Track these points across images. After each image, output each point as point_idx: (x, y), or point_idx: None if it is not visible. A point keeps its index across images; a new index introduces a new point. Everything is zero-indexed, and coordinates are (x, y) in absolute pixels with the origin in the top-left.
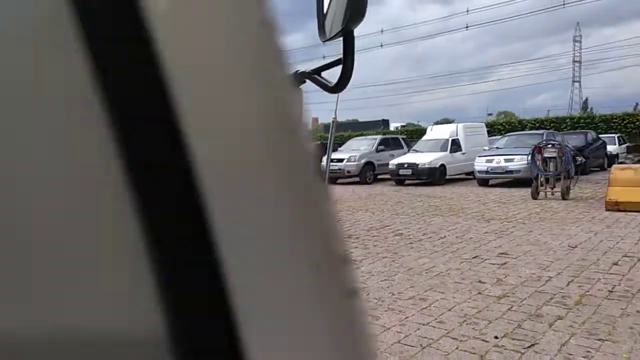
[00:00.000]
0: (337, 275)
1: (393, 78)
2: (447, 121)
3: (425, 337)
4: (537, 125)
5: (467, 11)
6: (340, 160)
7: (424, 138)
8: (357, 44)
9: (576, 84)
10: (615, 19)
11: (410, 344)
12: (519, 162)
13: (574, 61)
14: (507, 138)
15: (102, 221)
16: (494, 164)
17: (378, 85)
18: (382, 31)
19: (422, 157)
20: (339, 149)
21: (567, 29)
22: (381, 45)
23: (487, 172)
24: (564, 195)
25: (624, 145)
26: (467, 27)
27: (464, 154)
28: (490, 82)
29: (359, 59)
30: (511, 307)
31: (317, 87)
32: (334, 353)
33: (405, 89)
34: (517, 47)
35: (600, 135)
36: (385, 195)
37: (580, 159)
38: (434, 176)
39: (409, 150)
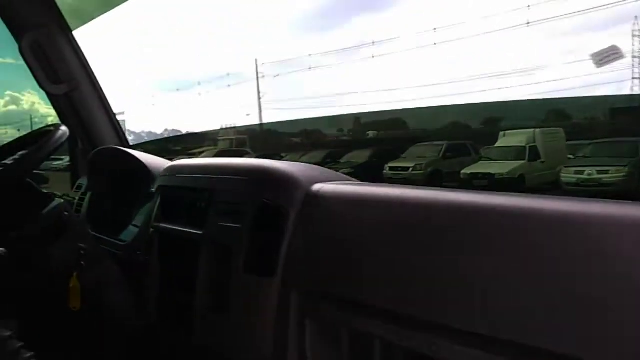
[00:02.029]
0: None
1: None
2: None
3: None
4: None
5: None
6: (405, 169)
7: (497, 144)
8: None
9: (636, 81)
10: None
11: None
12: (615, 174)
13: (634, 57)
14: (593, 146)
15: None
16: (585, 176)
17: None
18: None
19: (496, 166)
20: (402, 155)
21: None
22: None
23: (577, 184)
24: None
25: None
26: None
27: (543, 162)
28: (542, 83)
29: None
30: None
31: None
32: None
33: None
34: (564, 42)
35: None
36: None
37: None
38: (512, 188)
39: (479, 159)
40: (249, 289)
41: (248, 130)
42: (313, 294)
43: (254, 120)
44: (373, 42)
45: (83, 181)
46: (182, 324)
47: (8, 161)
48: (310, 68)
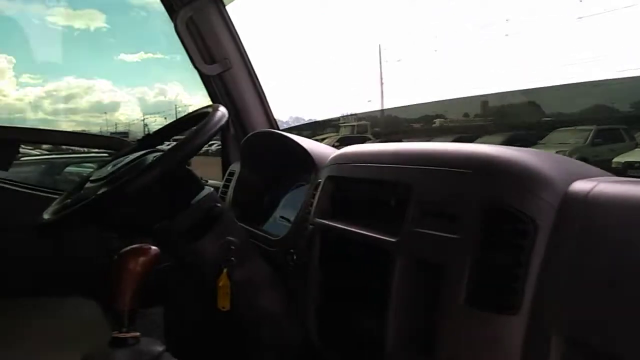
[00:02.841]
0: None
1: None
2: None
3: None
4: None
5: None
6: None
7: None
8: None
9: None
10: None
11: None
12: None
13: None
14: None
15: None
16: None
17: None
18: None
19: None
20: (539, 142)
21: None
22: None
23: None
24: None
25: None
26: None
27: None
28: None
29: None
30: None
31: None
32: None
33: None
34: None
35: None
36: None
37: None
38: None
39: (635, 146)
40: (472, 328)
41: (369, 117)
42: (580, 344)
43: (375, 107)
44: (507, 20)
45: (235, 167)
46: (360, 355)
47: (165, 146)
48: (436, 50)
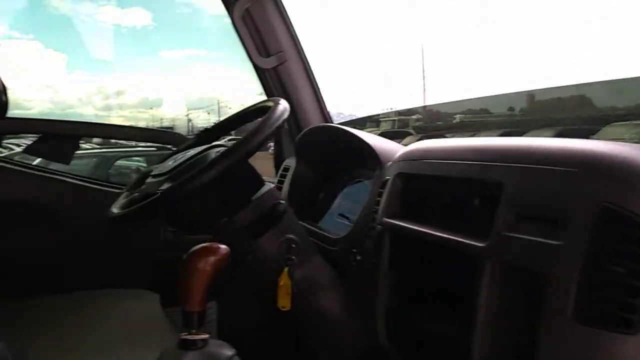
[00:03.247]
0: None
1: None
2: None
3: None
4: None
5: None
6: None
7: None
8: None
9: None
10: None
11: None
12: None
13: None
14: None
15: None
16: None
17: None
18: None
19: None
20: (592, 137)
21: None
22: None
23: None
24: None
25: None
26: None
27: None
28: None
29: None
30: None
31: None
32: None
33: None
34: None
35: None
36: None
37: None
38: None
39: None
40: (581, 346)
41: (410, 112)
42: None
43: (417, 102)
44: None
45: (289, 163)
46: None
47: (224, 141)
48: (479, 43)
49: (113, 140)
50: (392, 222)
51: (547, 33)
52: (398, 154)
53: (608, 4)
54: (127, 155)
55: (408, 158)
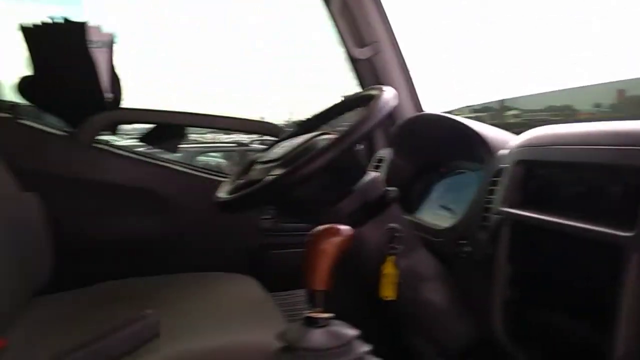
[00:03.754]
0: None
1: None
2: None
3: None
4: None
5: None
6: None
7: None
8: None
9: None
10: None
11: None
12: None
13: None
14: None
15: None
16: None
17: None
18: None
19: None
20: None
21: None
22: None
23: None
24: None
25: None
26: None
27: None
28: None
29: None
30: None
31: None
32: None
33: None
34: None
35: None
36: None
37: None
38: None
39: None
40: None
41: (485, 108)
42: None
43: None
44: None
45: (383, 153)
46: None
47: (328, 129)
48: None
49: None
50: (512, 212)
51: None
52: (518, 141)
53: None
54: (205, 151)
55: (531, 144)
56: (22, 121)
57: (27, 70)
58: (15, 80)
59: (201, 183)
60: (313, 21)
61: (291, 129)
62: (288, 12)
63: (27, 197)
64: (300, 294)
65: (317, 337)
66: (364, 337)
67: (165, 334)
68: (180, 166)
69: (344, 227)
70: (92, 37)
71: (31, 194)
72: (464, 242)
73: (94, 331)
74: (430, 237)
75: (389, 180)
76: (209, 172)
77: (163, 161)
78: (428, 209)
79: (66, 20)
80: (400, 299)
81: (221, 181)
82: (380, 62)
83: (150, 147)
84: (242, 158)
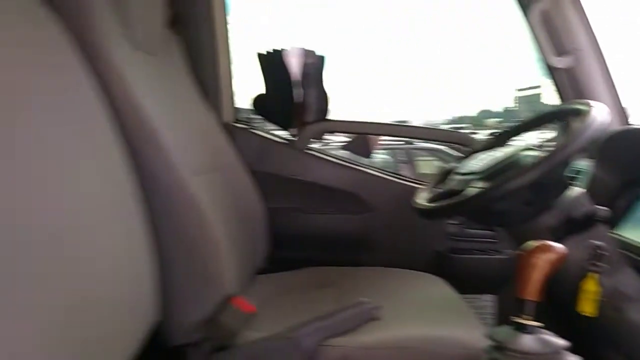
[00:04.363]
0: None
1: None
2: None
3: None
4: None
5: None
6: None
7: None
8: None
9: None
10: None
11: None
12: None
13: None
14: None
15: None
16: None
17: None
18: None
19: None
20: None
21: None
22: None
23: None
24: None
25: None
26: None
27: None
28: None
29: None
30: None
31: None
32: None
33: None
34: None
35: None
36: None
37: None
38: None
39: None
40: None
41: None
42: None
43: None
44: None
45: (581, 165)
46: None
47: (524, 144)
48: None
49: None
50: None
51: None
52: None
53: None
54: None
55: None
56: (254, 130)
57: (260, 89)
58: (250, 97)
59: (395, 187)
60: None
61: (484, 140)
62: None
63: (253, 192)
64: (485, 298)
65: (527, 341)
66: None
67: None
68: (377, 171)
69: (558, 246)
70: (307, 59)
71: (255, 189)
72: None
73: (314, 308)
74: (635, 257)
75: (593, 196)
76: (403, 177)
77: (362, 166)
78: (633, 226)
79: (290, 49)
80: (602, 318)
81: (413, 187)
82: (581, 71)
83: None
84: (409, 156)
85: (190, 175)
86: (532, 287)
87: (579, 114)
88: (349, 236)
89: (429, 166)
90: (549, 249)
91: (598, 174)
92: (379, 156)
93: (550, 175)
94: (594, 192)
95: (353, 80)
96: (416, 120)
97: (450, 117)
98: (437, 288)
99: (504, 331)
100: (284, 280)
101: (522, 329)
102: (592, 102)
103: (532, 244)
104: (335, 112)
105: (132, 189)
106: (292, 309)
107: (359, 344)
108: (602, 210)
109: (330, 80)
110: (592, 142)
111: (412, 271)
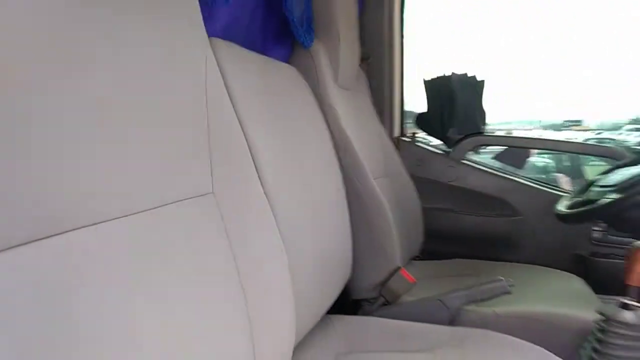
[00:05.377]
0: None
1: None
2: None
3: None
4: None
5: None
6: None
7: None
8: None
9: None
10: None
11: None
12: None
13: None
14: None
15: None
16: None
17: None
18: None
19: None
20: None
21: None
22: None
23: None
24: None
25: None
26: None
27: None
28: None
29: None
30: None
31: None
32: None
33: None
34: None
35: None
36: None
37: None
38: None
39: None
40: None
41: None
42: None
43: None
44: None
45: None
46: None
47: None
48: None
49: None
50: None
51: None
52: None
53: None
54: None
55: None
56: (417, 144)
57: (423, 109)
58: (415, 115)
59: (541, 194)
60: None
61: (630, 156)
62: None
63: (413, 194)
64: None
65: (629, 315)
66: None
67: (510, 296)
68: (525, 180)
69: None
70: (469, 84)
71: (415, 192)
72: None
73: (466, 284)
74: None
75: None
76: (548, 185)
77: (511, 175)
78: None
79: (449, 74)
80: None
81: (558, 195)
82: None
83: (502, 163)
84: (574, 161)
85: (372, 178)
86: (637, 275)
87: None
88: (495, 236)
89: (597, 171)
90: None
91: None
92: (542, 161)
93: None
94: None
95: (528, 83)
96: (591, 120)
97: (634, 117)
98: (571, 282)
99: (611, 307)
100: (434, 266)
101: (627, 307)
102: None
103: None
104: (513, 111)
105: (343, 183)
106: (439, 286)
107: (492, 312)
108: None
109: (505, 87)
110: None
111: (551, 269)
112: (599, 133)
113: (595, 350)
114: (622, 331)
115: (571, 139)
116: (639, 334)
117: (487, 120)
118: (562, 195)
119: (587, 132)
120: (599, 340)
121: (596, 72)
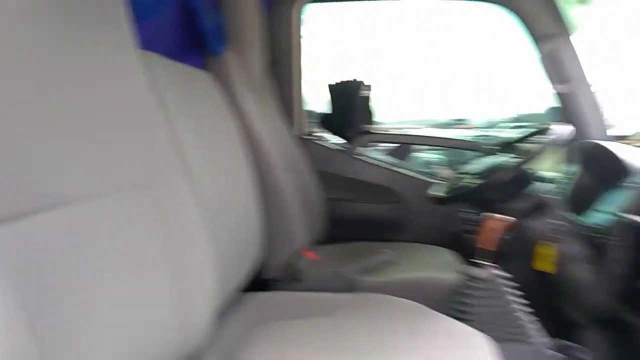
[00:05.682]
0: None
1: None
2: None
3: None
4: None
5: None
6: None
7: None
8: None
9: None
10: None
11: None
12: None
13: None
14: None
15: None
16: None
17: None
18: None
19: None
20: None
21: None
22: None
23: None
24: None
25: None
26: None
27: None
28: None
29: None
30: None
31: None
32: None
33: None
34: None
35: None
36: None
37: None
38: None
39: None
40: None
41: None
42: None
43: None
44: None
45: (572, 168)
46: None
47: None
48: None
49: None
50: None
51: None
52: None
53: None
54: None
55: None
56: (318, 142)
57: (326, 110)
58: (319, 115)
59: (422, 183)
60: None
61: (489, 148)
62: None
63: (316, 186)
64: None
65: (478, 271)
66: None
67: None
68: (410, 171)
69: (508, 218)
70: (362, 89)
71: (318, 183)
72: (606, 237)
73: (360, 260)
74: (586, 233)
75: (574, 190)
76: (429, 175)
77: (396, 166)
78: (596, 212)
79: (349, 81)
80: (559, 275)
81: (434, 182)
82: (574, 97)
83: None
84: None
85: (280, 172)
86: (489, 240)
87: (544, 132)
88: (386, 220)
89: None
90: (502, 219)
91: (581, 175)
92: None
93: (519, 175)
94: (576, 188)
95: (416, 82)
96: (477, 118)
97: (514, 115)
98: (444, 254)
99: (466, 267)
100: (336, 248)
101: (479, 266)
102: (554, 125)
103: (493, 215)
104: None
105: (253, 175)
106: (340, 264)
107: (382, 280)
108: (554, 199)
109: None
110: (545, 152)
111: (430, 245)
112: (483, 130)
113: (458, 302)
114: (474, 284)
115: (454, 136)
116: (488, 286)
117: (387, 120)
118: (436, 182)
119: (471, 129)
120: (460, 293)
121: (485, 76)
